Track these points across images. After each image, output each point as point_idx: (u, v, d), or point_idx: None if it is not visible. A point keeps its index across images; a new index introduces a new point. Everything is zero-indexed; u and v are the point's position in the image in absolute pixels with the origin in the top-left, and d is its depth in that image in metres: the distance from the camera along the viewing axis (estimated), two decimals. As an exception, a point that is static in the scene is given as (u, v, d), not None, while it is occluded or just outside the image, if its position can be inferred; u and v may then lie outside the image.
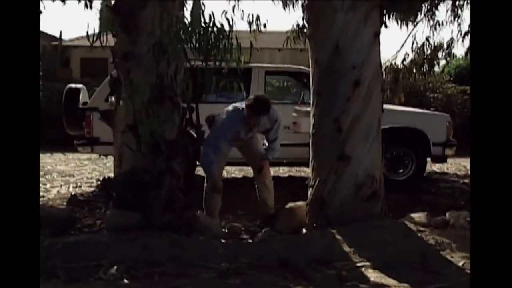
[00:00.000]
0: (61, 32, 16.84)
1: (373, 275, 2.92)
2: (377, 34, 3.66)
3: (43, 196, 5.56)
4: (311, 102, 3.93)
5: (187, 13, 3.36)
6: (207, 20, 2.92)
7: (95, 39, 3.21)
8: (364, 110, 3.63)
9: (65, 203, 5.32)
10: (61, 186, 6.43)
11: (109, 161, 8.40)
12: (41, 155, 7.96)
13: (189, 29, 2.88)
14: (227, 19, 2.90)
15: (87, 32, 3.32)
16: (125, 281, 2.90)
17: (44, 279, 2.92)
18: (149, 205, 3.42)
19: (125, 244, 3.24)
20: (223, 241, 3.47)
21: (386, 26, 3.90)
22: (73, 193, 5.88)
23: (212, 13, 2.89)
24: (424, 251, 3.20)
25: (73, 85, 6.80)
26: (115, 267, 3.00)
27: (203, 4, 3.33)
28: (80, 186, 6.34)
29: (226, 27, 3.23)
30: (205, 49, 2.88)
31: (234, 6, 3.41)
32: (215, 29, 2.85)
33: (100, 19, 3.58)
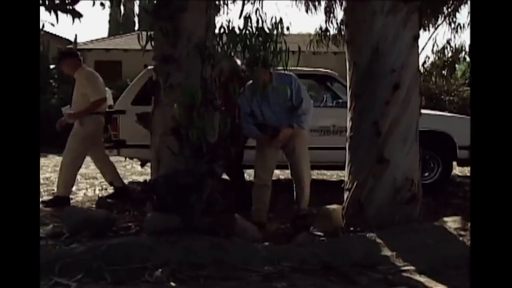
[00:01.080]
0: (76, 35, 16.96)
1: (421, 280, 2.91)
2: (416, 37, 3.66)
3: (72, 199, 5.59)
4: (348, 105, 3.92)
5: (223, 17, 3.39)
6: (254, 24, 2.92)
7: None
8: (403, 113, 3.62)
9: (94, 206, 5.36)
10: (87, 188, 6.46)
11: (128, 164, 8.44)
12: (58, 158, 8.04)
13: (240, 32, 2.88)
14: (276, 23, 2.90)
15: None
16: (172, 283, 2.91)
17: (91, 281, 2.95)
18: (190, 208, 3.43)
19: (168, 246, 3.25)
20: (265, 244, 3.46)
21: (425, 29, 3.89)
22: (100, 196, 5.92)
23: (261, 17, 2.89)
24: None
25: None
26: (160, 270, 3.01)
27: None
28: (106, 189, 6.37)
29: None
30: (252, 53, 2.88)
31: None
32: (262, 32, 2.86)
33: (139, 20, 3.61)
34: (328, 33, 7.62)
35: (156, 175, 3.70)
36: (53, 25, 3.95)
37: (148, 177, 7.02)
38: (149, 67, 6.33)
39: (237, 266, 3.15)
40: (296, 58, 3.30)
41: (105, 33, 30.48)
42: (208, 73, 3.52)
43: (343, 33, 7.54)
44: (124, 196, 5.62)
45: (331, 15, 7.44)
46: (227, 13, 3.50)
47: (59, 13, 3.76)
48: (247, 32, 2.90)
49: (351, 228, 3.82)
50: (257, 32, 2.85)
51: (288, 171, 5.59)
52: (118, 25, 26.64)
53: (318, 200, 5.40)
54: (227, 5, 3.49)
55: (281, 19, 3.48)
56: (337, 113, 6.53)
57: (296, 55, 3.32)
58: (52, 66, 14.73)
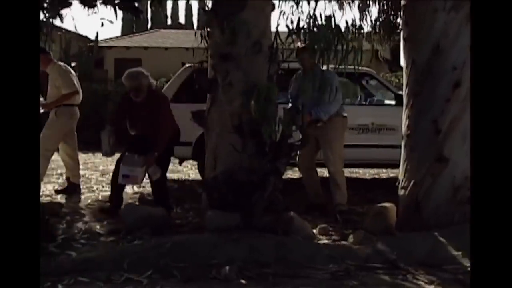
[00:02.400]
0: (97, 33, 17.03)
1: (494, 279, 2.88)
2: (477, 34, 3.61)
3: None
4: (405, 103, 3.89)
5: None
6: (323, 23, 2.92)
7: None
8: (464, 111, 3.58)
9: (137, 203, 5.37)
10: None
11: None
12: (84, 155, 8.08)
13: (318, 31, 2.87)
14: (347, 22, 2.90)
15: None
16: (242, 281, 2.91)
17: (161, 278, 2.97)
18: (251, 206, 3.43)
19: (232, 244, 3.26)
20: (325, 242, 3.46)
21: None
22: (139, 193, 5.93)
23: (333, 15, 2.89)
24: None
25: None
26: (227, 268, 3.02)
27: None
28: (143, 186, 6.39)
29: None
30: (323, 52, 2.88)
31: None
32: (334, 31, 2.85)
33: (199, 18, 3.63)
34: (362, 31, 7.57)
35: (213, 172, 3.72)
36: (111, 22, 3.96)
37: (181, 175, 7.08)
38: (188, 65, 6.35)
39: (301, 264, 3.16)
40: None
41: (117, 32, 30.65)
42: (274, 70, 3.53)
43: (377, 30, 7.49)
44: (76, 193, 5.60)
45: (366, 12, 7.40)
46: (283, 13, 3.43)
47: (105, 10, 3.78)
48: (323, 30, 2.88)
49: (407, 227, 3.80)
50: (333, 31, 2.84)
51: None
52: (131, 24, 26.70)
53: (359, 199, 5.41)
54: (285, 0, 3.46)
55: (330, 17, 3.50)
56: (375, 111, 6.51)
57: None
58: (73, 64, 14.84)
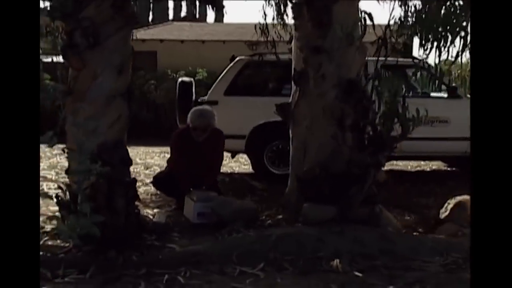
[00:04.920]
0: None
1: None
2: None
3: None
4: None
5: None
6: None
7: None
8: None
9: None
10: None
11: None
12: (143, 148, 8.01)
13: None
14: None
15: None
16: (357, 273, 2.92)
17: (274, 271, 2.97)
18: (349, 198, 3.44)
19: (335, 237, 3.27)
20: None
21: None
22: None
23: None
24: None
25: (186, 79, 6.82)
26: (336, 260, 3.03)
27: None
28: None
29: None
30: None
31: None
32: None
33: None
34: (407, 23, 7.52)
35: (302, 166, 3.71)
36: (195, 18, 3.92)
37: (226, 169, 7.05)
38: (240, 58, 6.33)
39: (407, 256, 3.16)
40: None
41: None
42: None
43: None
44: None
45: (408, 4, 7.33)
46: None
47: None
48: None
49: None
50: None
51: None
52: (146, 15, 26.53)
53: (419, 192, 5.40)
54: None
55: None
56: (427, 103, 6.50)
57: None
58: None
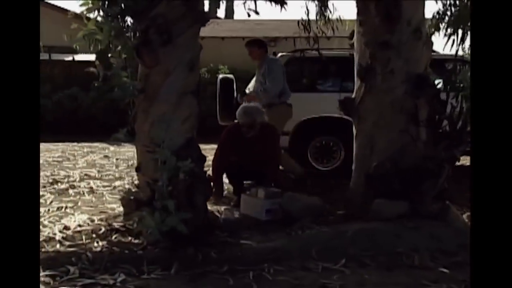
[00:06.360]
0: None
1: None
2: None
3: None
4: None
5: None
6: None
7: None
8: None
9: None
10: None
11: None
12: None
13: None
14: None
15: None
16: (443, 269, 2.90)
17: (357, 266, 2.96)
18: (421, 194, 3.42)
19: (412, 233, 3.26)
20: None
21: None
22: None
23: None
24: None
25: (227, 76, 6.80)
26: (416, 256, 3.02)
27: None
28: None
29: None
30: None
31: None
32: None
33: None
34: (445, 17, 7.48)
35: (370, 161, 3.70)
36: (257, 13, 3.93)
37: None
38: (282, 54, 6.31)
39: (485, 252, 3.14)
40: None
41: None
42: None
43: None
44: None
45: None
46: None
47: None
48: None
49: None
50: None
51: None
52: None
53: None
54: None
55: None
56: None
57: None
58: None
